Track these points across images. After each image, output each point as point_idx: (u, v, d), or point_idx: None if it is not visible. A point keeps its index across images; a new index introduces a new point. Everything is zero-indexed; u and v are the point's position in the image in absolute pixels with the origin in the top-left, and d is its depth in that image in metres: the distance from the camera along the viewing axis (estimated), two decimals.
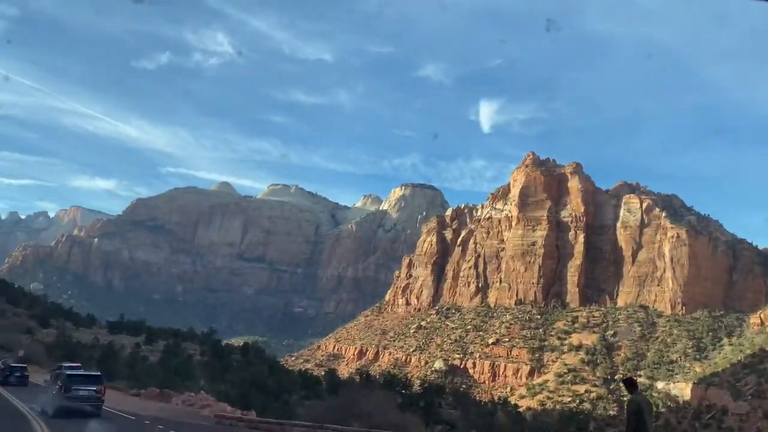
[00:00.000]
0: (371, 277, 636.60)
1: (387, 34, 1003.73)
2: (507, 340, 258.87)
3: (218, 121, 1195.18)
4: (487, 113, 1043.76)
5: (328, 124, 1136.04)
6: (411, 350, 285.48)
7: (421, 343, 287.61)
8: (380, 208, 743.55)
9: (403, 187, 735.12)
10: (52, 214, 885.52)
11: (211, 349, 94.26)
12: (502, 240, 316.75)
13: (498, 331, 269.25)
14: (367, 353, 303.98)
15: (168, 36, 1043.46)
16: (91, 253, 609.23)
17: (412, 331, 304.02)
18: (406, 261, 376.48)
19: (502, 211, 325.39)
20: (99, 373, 35.63)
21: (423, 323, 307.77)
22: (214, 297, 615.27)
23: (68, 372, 34.11)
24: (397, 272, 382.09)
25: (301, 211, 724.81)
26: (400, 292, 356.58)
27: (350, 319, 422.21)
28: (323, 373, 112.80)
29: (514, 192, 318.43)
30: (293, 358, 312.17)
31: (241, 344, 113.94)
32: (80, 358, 62.42)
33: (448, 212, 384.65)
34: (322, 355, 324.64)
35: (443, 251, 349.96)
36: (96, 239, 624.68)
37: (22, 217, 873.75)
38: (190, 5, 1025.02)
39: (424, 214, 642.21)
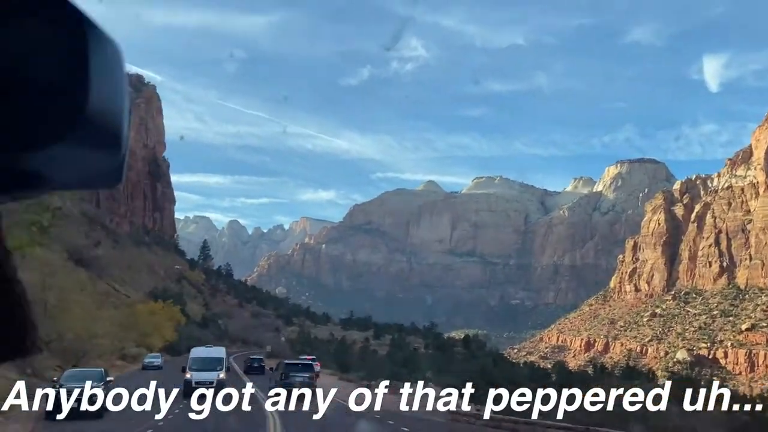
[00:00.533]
0: (590, 264, 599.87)
1: (584, 6, 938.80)
2: (766, 324, 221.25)
3: (418, 122, 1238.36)
4: (713, 70, 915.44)
5: (527, 110, 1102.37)
6: (646, 340, 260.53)
7: (658, 332, 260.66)
8: (594, 190, 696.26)
9: (619, 165, 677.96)
10: (286, 226, 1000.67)
11: (434, 342, 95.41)
12: (748, 211, 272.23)
13: (753, 315, 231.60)
14: (596, 344, 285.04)
15: (367, 51, 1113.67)
16: (320, 258, 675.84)
17: (645, 319, 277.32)
18: (630, 243, 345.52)
19: (744, 177, 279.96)
20: (311, 363, 40.66)
21: (658, 310, 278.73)
22: (431, 292, 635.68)
23: (286, 362, 39.53)
24: (620, 256, 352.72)
25: (507, 201, 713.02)
26: (626, 278, 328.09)
27: (572, 309, 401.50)
28: (551, 366, 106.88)
29: (759, 154, 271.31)
30: (515, 351, 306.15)
31: (462, 337, 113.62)
32: (318, 351, 67.68)
33: (677, 186, 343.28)
34: (546, 347, 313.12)
35: (674, 229, 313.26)
36: (323, 245, 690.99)
37: (264, 231, 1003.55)
38: (384, 18, 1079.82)
39: (646, 191, 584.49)
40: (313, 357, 42.01)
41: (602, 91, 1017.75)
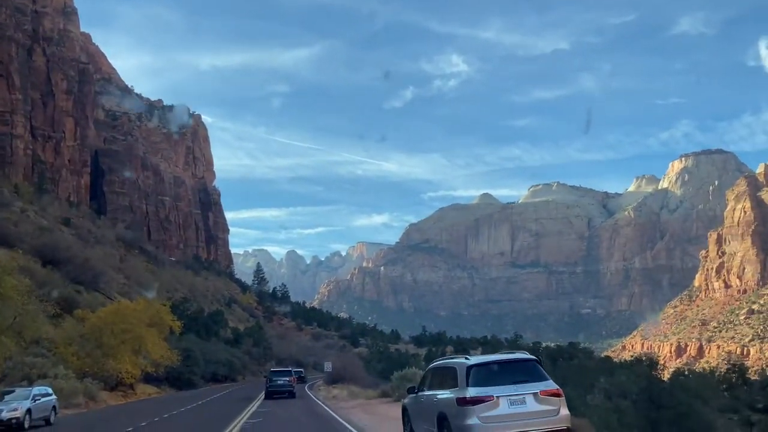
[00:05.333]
0: (664, 266, 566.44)
1: (627, 1, 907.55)
2: None
3: (467, 138, 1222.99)
4: None
5: (577, 114, 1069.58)
6: (747, 340, 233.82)
7: (759, 331, 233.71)
8: (659, 188, 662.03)
9: (684, 159, 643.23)
10: (344, 253, 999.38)
11: (532, 353, 79.78)
12: None
13: None
14: (688, 349, 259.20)
15: (408, 72, 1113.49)
16: (380, 280, 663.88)
17: (742, 317, 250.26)
18: (712, 237, 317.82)
19: None
20: (289, 369, 53.65)
21: (755, 306, 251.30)
22: (496, 307, 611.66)
23: (271, 369, 52.08)
24: (703, 252, 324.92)
25: (568, 207, 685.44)
26: (713, 275, 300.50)
27: (649, 313, 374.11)
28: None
29: None
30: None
31: (556, 346, 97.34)
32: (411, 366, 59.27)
33: (761, 169, 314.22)
34: (631, 356, 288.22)
35: (763, 217, 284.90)
36: (382, 267, 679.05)
37: (322, 259, 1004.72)
38: (422, 38, 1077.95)
39: (717, 183, 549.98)
40: (300, 369, 57.16)
41: (654, 87, 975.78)
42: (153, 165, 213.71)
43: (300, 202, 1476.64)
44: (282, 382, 45.26)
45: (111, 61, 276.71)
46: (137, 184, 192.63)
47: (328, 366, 67.48)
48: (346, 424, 25.19)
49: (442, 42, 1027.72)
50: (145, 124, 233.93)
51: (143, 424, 25.57)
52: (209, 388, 61.14)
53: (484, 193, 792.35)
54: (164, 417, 27.95)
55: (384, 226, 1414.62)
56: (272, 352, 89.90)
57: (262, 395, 43.15)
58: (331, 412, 31.89)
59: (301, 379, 74.80)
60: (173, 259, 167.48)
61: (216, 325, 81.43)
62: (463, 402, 13.78)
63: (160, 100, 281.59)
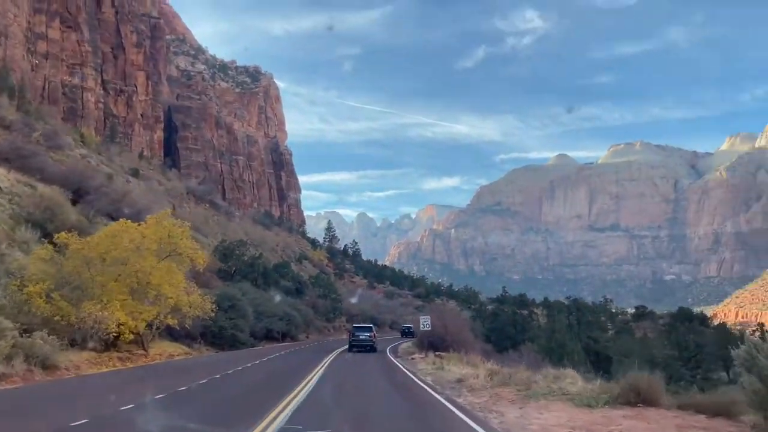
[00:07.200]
0: (760, 229, 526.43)
1: None
2: None
3: (542, 97, 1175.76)
4: None
5: (663, 70, 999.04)
6: None
7: None
8: (756, 146, 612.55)
9: None
10: (413, 215, 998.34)
11: (635, 319, 71.08)
12: None
13: None
14: None
15: (481, 30, 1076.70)
16: (450, 242, 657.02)
17: None
18: None
19: None
20: (370, 325, 53.94)
21: None
22: (573, 272, 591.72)
23: (354, 325, 54.79)
24: None
25: (652, 167, 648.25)
26: None
27: (742, 281, 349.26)
28: None
29: None
30: None
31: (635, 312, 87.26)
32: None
33: None
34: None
35: None
36: (452, 230, 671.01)
37: (392, 221, 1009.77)
38: None
39: None
40: (370, 325, 53.45)
41: (752, 37, 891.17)
42: (227, 124, 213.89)
43: (371, 165, 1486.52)
44: (364, 337, 46.89)
45: (186, 24, 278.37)
46: (211, 143, 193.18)
47: (425, 322, 47.02)
48: None
49: None
50: (219, 84, 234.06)
51: None
52: (260, 349, 48.70)
53: (559, 154, 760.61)
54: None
55: (454, 189, 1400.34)
56: (342, 306, 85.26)
57: (322, 369, 28.03)
58: None
59: (412, 335, 68.19)
60: (244, 214, 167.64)
61: (281, 278, 76.96)
62: None
63: (233, 61, 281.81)
